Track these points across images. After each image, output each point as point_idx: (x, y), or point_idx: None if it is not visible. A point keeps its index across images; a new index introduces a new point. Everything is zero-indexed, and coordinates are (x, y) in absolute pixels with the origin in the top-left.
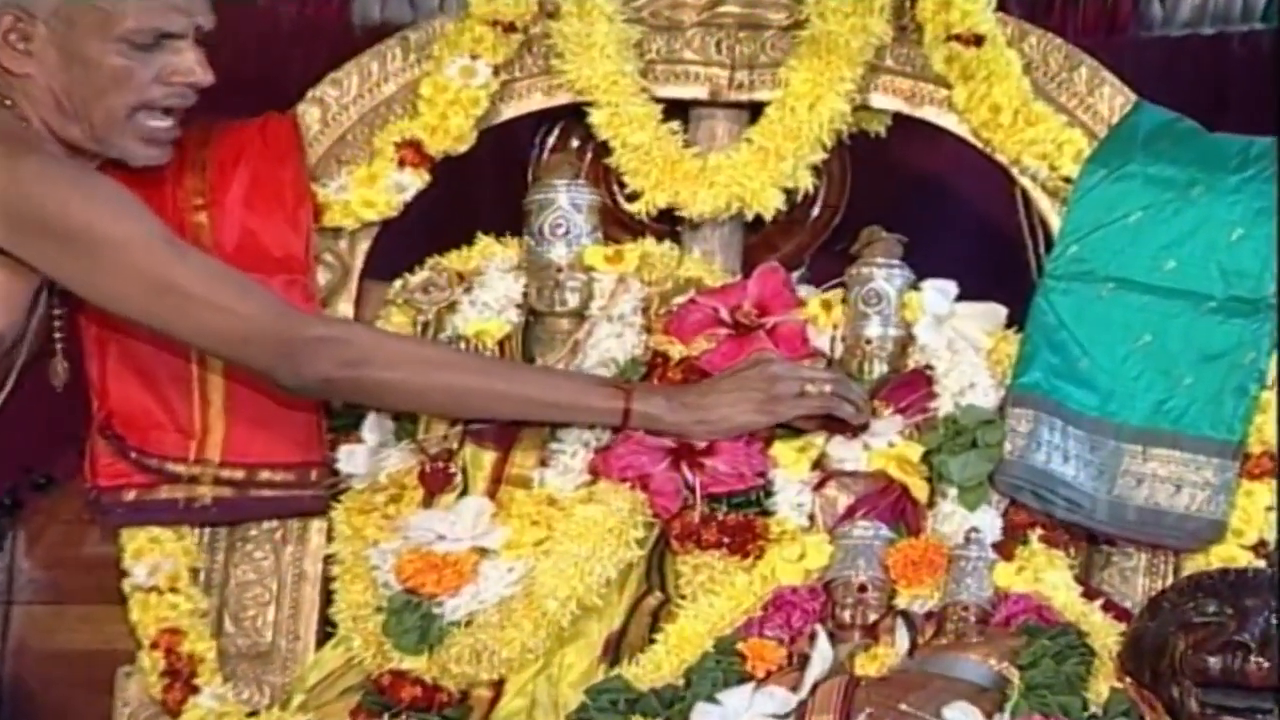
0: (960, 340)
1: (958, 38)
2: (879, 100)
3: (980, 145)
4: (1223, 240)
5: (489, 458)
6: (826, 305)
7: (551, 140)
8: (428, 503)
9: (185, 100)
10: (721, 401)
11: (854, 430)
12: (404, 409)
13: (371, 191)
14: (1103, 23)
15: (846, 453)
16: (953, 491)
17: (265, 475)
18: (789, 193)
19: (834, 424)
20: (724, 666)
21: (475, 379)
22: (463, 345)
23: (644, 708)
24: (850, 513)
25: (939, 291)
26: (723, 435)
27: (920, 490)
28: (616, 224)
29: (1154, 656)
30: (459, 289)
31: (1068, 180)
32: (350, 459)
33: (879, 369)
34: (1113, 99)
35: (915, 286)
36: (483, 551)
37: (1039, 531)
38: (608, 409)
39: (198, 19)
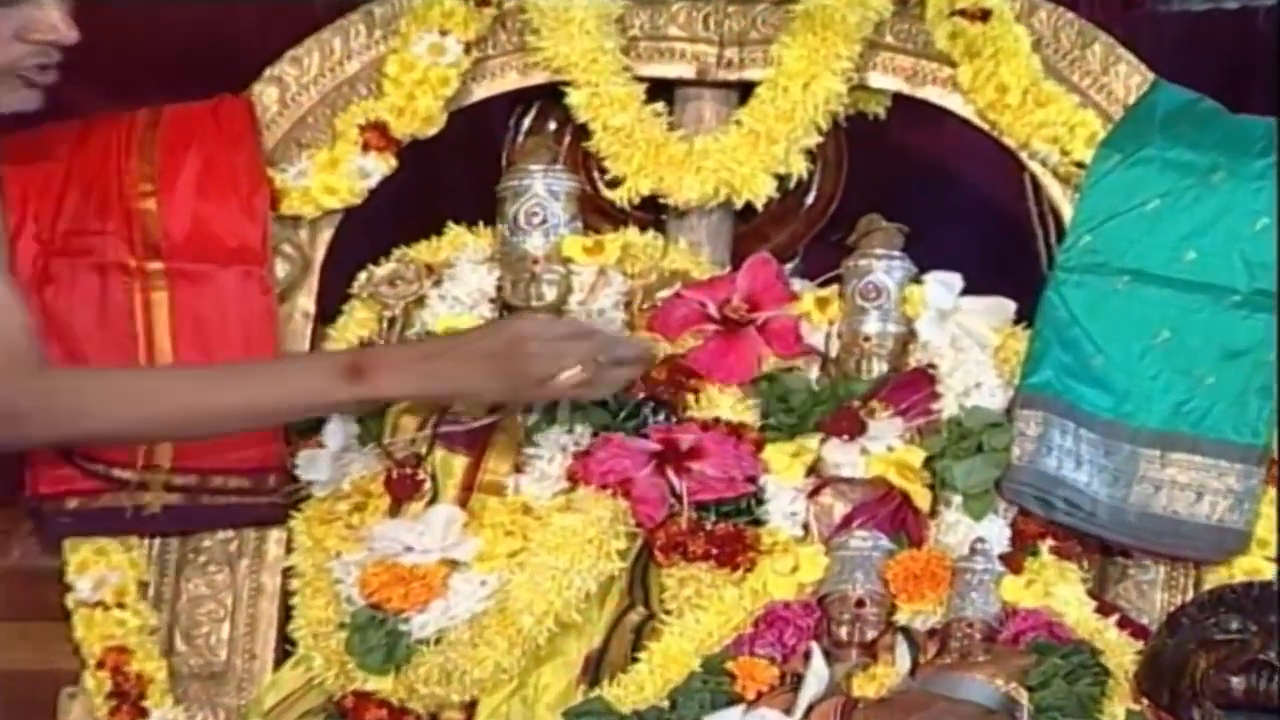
0: (965, 337)
1: (962, 12)
2: (878, 79)
3: (987, 128)
4: (1246, 229)
5: (460, 463)
6: (822, 300)
7: (527, 123)
8: (394, 511)
9: (50, 59)
10: (468, 372)
11: (850, 433)
12: (126, 440)
13: (333, 177)
14: None
15: (843, 457)
16: (957, 499)
17: (219, 481)
18: (781, 179)
19: (829, 425)
20: (712, 687)
21: (194, 399)
22: None
23: None
24: (847, 522)
25: (942, 285)
26: (466, 402)
27: (922, 498)
28: (596, 212)
29: (1173, 676)
30: (428, 282)
31: (1080, 165)
32: (311, 465)
33: (878, 368)
34: (1129, 78)
35: (917, 279)
36: (453, 564)
37: (1049, 542)
38: (340, 398)
39: None
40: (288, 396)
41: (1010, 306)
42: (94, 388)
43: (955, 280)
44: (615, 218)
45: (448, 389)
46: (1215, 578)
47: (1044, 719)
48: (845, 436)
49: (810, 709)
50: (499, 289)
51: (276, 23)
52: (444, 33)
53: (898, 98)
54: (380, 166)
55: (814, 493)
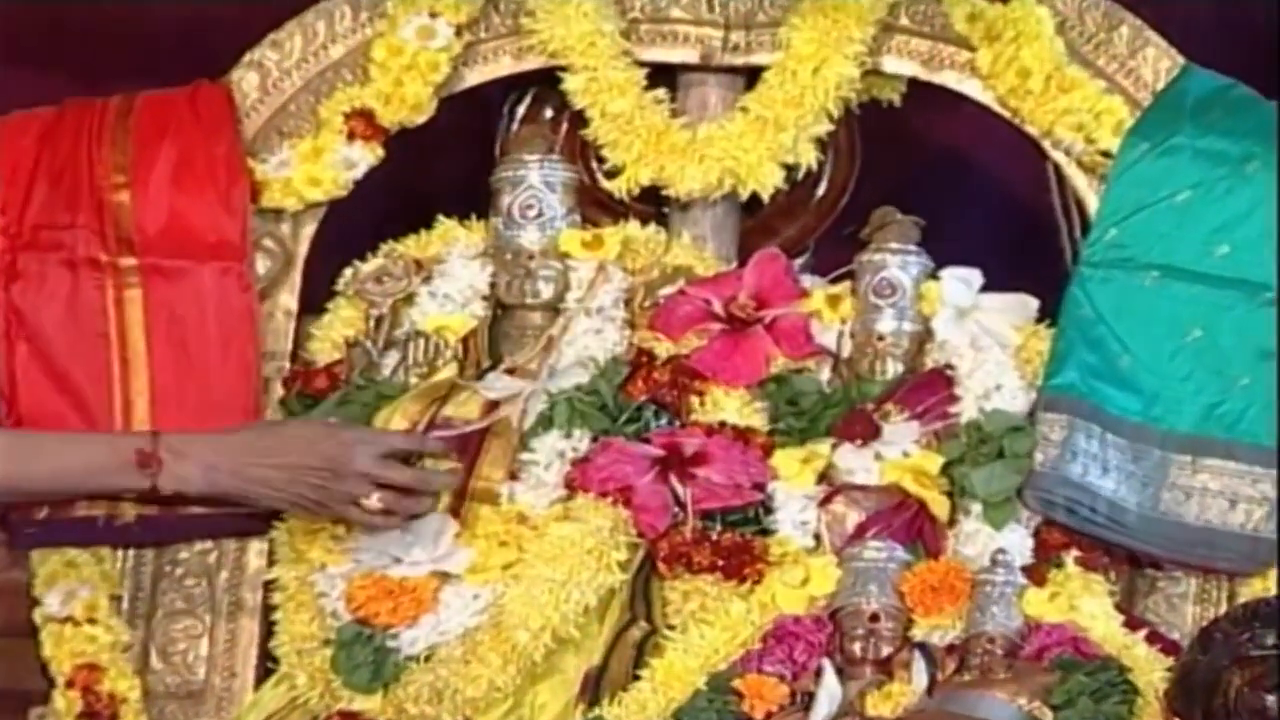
0: (985, 336)
1: None
2: (892, 64)
3: (1007, 115)
4: None
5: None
6: (833, 297)
7: (521, 110)
8: None
9: None
10: (271, 478)
11: (864, 438)
12: None
13: (317, 168)
14: None
15: (857, 463)
16: (976, 508)
17: None
18: (790, 169)
19: (841, 429)
20: (718, 706)
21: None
22: (422, 342)
23: None
24: (860, 532)
25: (961, 281)
26: (263, 503)
27: (939, 506)
28: (595, 205)
29: (1206, 694)
30: (417, 279)
31: (1106, 155)
32: None
33: (893, 369)
34: (1158, 62)
35: (934, 275)
36: (444, 576)
37: (1074, 553)
38: (132, 485)
39: None
40: (79, 472)
41: (1032, 304)
42: None
43: (974, 276)
44: (615, 210)
45: (242, 494)
46: (1250, 590)
47: None
48: (858, 441)
49: None
50: (492, 286)
51: (256, 5)
52: (434, 15)
53: (913, 83)
54: (366, 156)
55: (825, 500)
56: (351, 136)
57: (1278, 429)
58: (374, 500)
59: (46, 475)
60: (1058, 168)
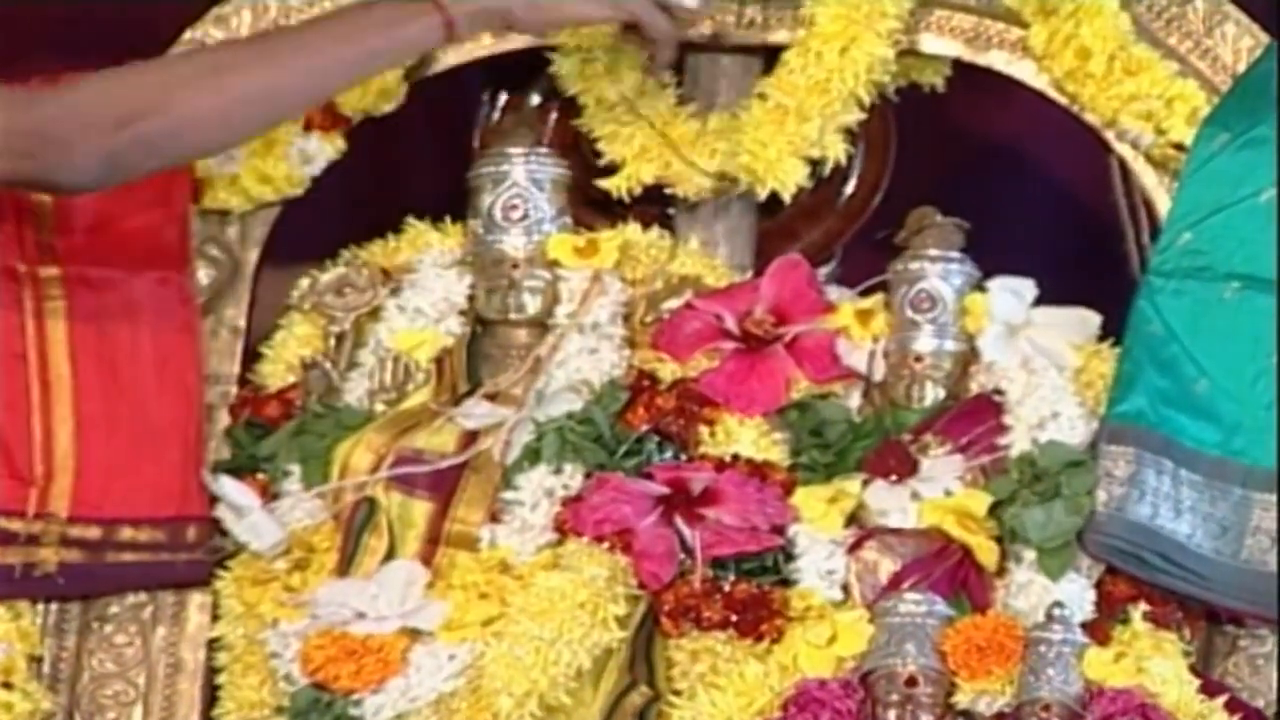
0: (1039, 357)
1: None
2: (932, 43)
3: (1065, 102)
4: None
5: (423, 510)
6: (864, 312)
7: (504, 96)
8: (343, 570)
9: None
10: None
11: (899, 474)
12: (209, 147)
13: (268, 163)
14: None
15: (891, 503)
16: (1029, 555)
17: (127, 534)
18: (814, 164)
19: (874, 464)
20: None
21: (270, 70)
22: (390, 363)
23: None
24: (896, 582)
25: (1011, 293)
26: (553, 24)
27: (987, 553)
28: (589, 205)
29: None
30: (383, 290)
31: (1179, 147)
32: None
33: (933, 394)
34: (1238, 41)
35: (980, 286)
36: (414, 633)
37: (1143, 607)
38: (427, 26)
39: None
40: (377, 42)
41: (1093, 320)
42: (115, 90)
43: (1026, 287)
44: (612, 212)
45: (533, 5)
46: None
47: None
48: (893, 478)
49: None
50: (470, 298)
51: None
52: None
53: (956, 65)
54: (325, 150)
55: (855, 546)
56: (308, 127)
57: (1276, 448)
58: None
59: (339, 42)
60: (1123, 162)
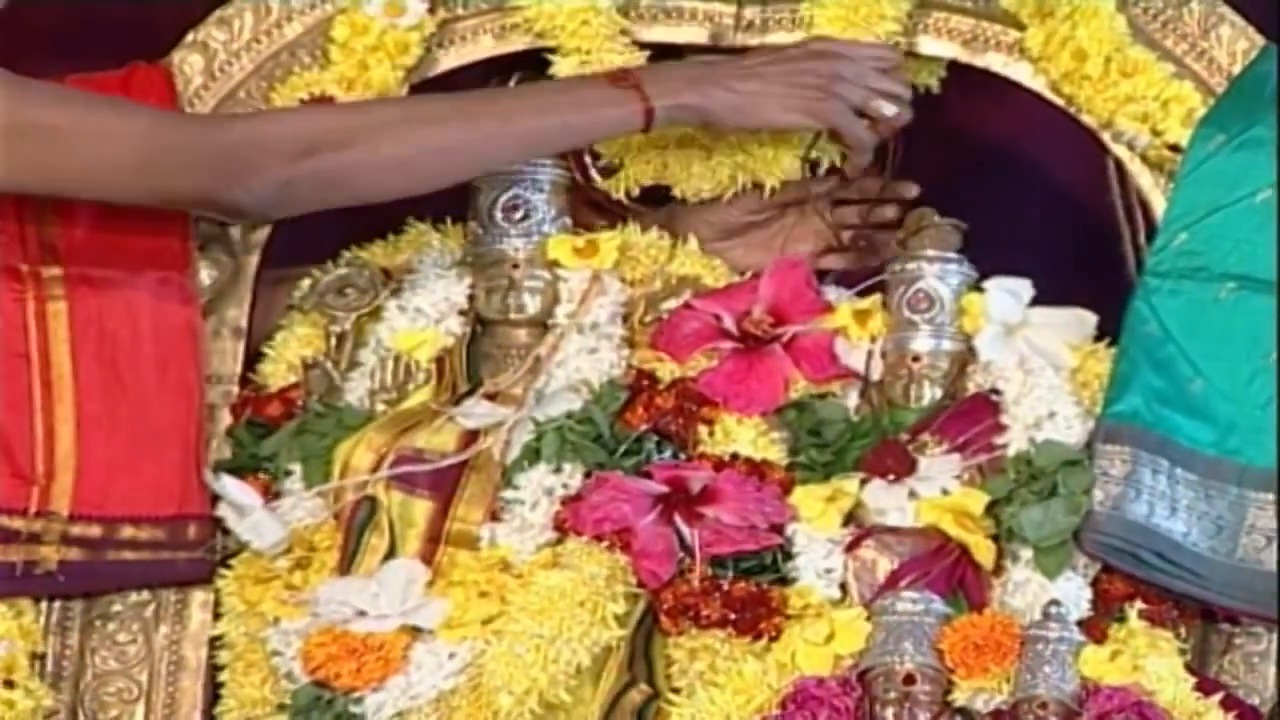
0: (1035, 356)
1: None
2: (930, 45)
3: (1061, 103)
4: None
5: (423, 509)
6: (862, 312)
7: None
8: (344, 568)
9: None
10: (764, 86)
11: (897, 473)
12: (383, 192)
13: None
14: None
15: (889, 502)
16: (1026, 553)
17: (129, 532)
18: (812, 165)
19: (871, 464)
20: None
21: (460, 129)
22: (391, 363)
23: None
24: (893, 581)
25: (1008, 293)
26: (750, 127)
27: (984, 551)
28: (589, 206)
29: None
30: (384, 291)
31: (1175, 148)
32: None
33: (930, 394)
34: (1234, 42)
35: (977, 287)
36: (415, 632)
37: (1139, 605)
38: (624, 114)
39: None
40: (573, 118)
41: (1090, 319)
42: (304, 123)
43: (1023, 287)
44: (611, 213)
45: (732, 105)
46: None
47: None
48: (891, 477)
49: None
50: (471, 299)
51: None
52: None
53: (954, 67)
54: None
55: (853, 545)
56: None
57: (1276, 447)
58: (887, 105)
59: (536, 128)
60: (1119, 164)
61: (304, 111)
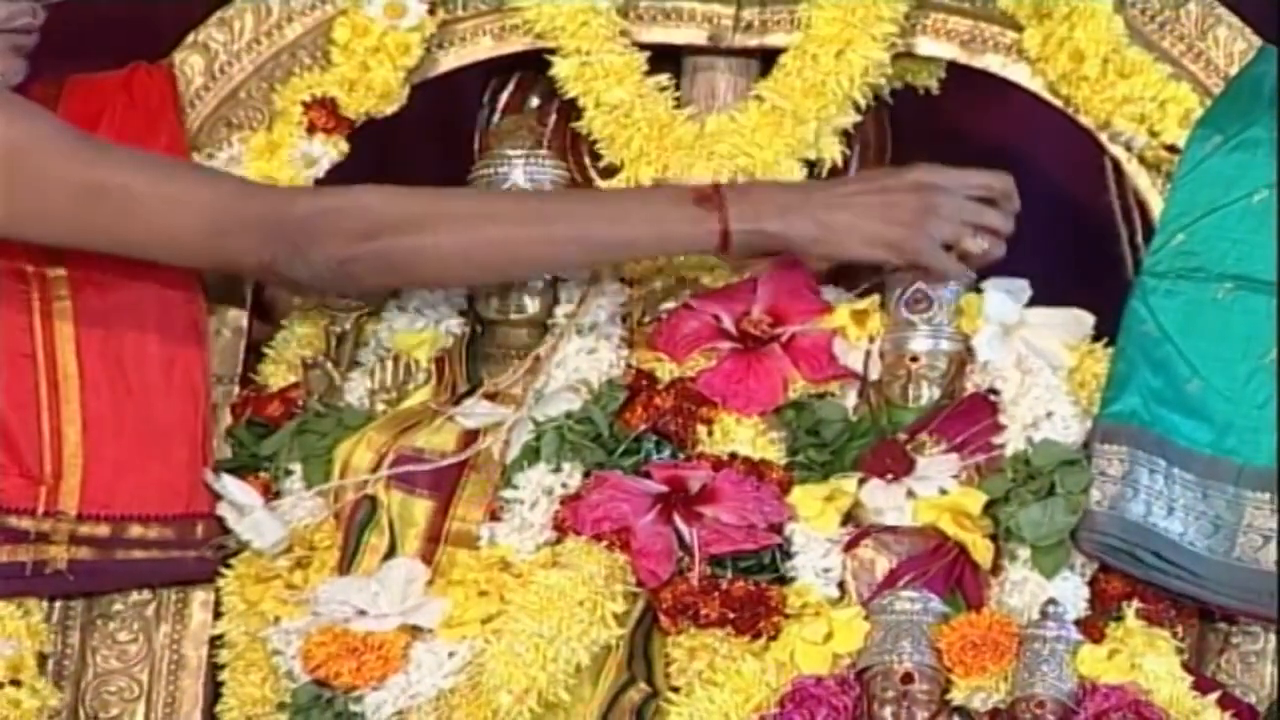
0: (1033, 357)
1: None
2: (928, 46)
3: (1059, 104)
4: None
5: (423, 508)
6: (860, 313)
7: (504, 99)
8: (344, 568)
9: (35, 19)
10: (853, 220)
11: (895, 472)
12: (444, 280)
13: (272, 165)
14: None
15: (887, 502)
16: (1024, 553)
17: (136, 531)
18: (811, 165)
19: (870, 463)
20: None
21: (528, 228)
22: (391, 363)
23: None
24: (891, 580)
25: (1006, 293)
26: (834, 257)
27: (982, 551)
28: None
29: None
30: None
31: (1172, 149)
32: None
33: (928, 394)
34: (1231, 44)
35: (975, 287)
36: (415, 631)
37: (1136, 604)
38: (699, 234)
39: None
40: (645, 232)
41: (1088, 320)
42: (371, 203)
43: (1021, 288)
44: None
45: (816, 238)
46: None
47: None
48: (889, 476)
49: None
50: (469, 299)
51: None
52: None
53: (951, 68)
54: (329, 152)
55: (851, 544)
56: (311, 129)
57: (1273, 447)
58: (977, 242)
59: (605, 238)
60: (1117, 164)
61: (372, 191)
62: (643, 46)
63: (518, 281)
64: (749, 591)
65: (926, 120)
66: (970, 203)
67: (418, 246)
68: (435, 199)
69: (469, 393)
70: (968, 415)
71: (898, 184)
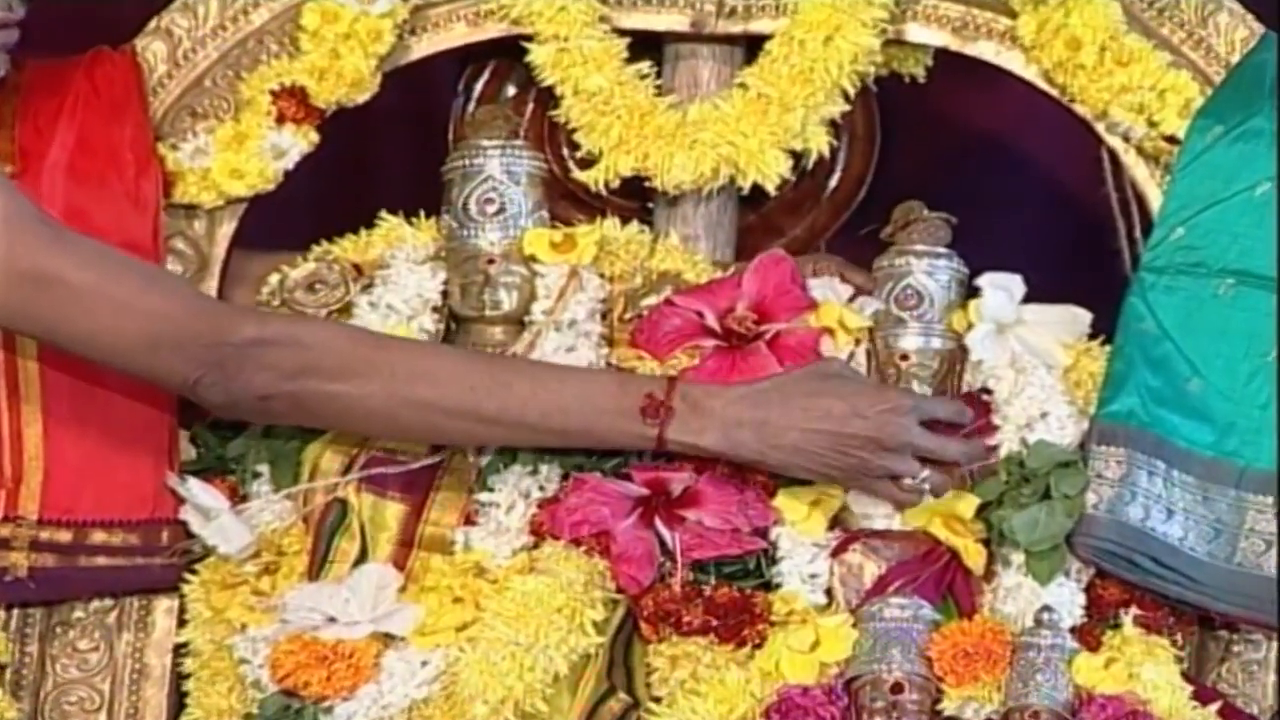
0: (1028, 355)
1: None
2: (918, 32)
3: (1054, 93)
4: None
5: (395, 512)
6: (849, 311)
7: (479, 87)
8: (313, 574)
9: (12, 13)
10: (800, 456)
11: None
12: (362, 431)
13: (239, 157)
14: None
15: (875, 506)
16: (1018, 558)
17: (100, 537)
18: (797, 157)
19: None
20: None
21: (458, 397)
22: None
23: None
24: (881, 586)
25: (1001, 290)
26: (771, 470)
27: (974, 556)
28: (566, 199)
29: None
30: (355, 287)
31: (1172, 140)
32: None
33: (920, 392)
34: (1232, 31)
35: (969, 284)
36: (387, 639)
37: (1134, 611)
38: (632, 439)
39: None
40: (577, 423)
41: (1085, 317)
42: (315, 339)
43: (1016, 284)
44: (590, 206)
45: (761, 459)
46: None
47: None
48: None
49: None
50: (444, 295)
51: None
52: None
53: (943, 55)
54: (298, 143)
55: (839, 549)
56: (280, 119)
57: (1277, 449)
58: (923, 477)
59: (535, 413)
60: (1114, 155)
61: (318, 329)
62: (623, 33)
63: (435, 442)
64: (733, 598)
65: (917, 109)
66: (926, 435)
67: (338, 394)
68: (377, 347)
69: None
70: None
71: (856, 435)
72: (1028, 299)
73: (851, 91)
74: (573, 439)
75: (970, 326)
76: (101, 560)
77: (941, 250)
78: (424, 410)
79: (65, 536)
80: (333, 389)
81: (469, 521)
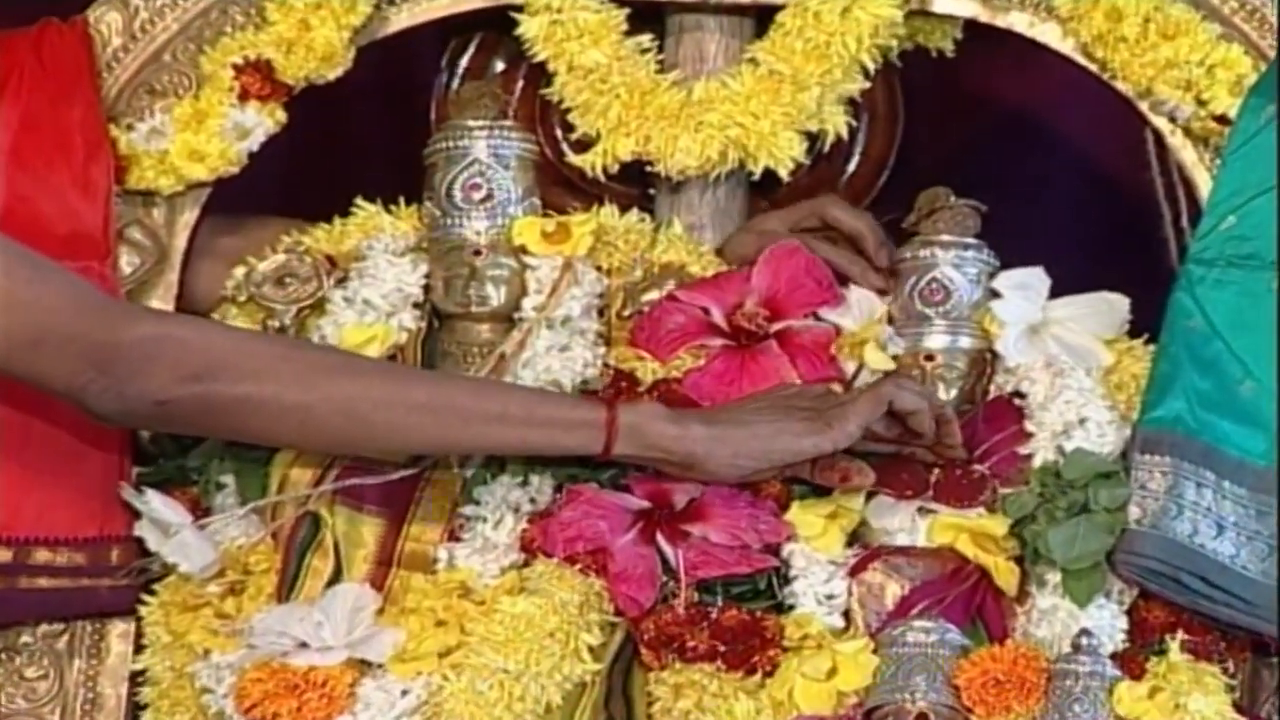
0: (1065, 354)
1: None
2: (945, 3)
3: (1094, 69)
4: None
5: (373, 528)
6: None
7: (465, 62)
8: (283, 594)
9: None
10: (760, 427)
11: (909, 488)
12: (275, 439)
13: (200, 138)
14: None
15: (898, 521)
16: (1054, 577)
17: (43, 556)
18: (812, 138)
19: (879, 477)
20: None
21: (384, 387)
22: None
23: None
24: (904, 608)
25: (1020, 291)
26: (767, 471)
27: (1006, 576)
28: (560, 185)
29: None
30: (329, 280)
31: (1222, 120)
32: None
33: (945, 397)
34: None
35: (992, 289)
36: (363, 665)
37: (1181, 636)
38: (581, 445)
39: None
40: (518, 410)
41: (1121, 303)
42: (213, 340)
43: (1038, 278)
44: (586, 192)
45: (729, 449)
46: None
47: None
48: (908, 493)
49: None
50: (426, 289)
51: None
52: None
53: (973, 27)
54: (263, 122)
55: (858, 568)
56: (244, 96)
57: (1277, 449)
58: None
59: (467, 394)
60: (1159, 137)
61: (218, 330)
62: (622, 3)
63: (357, 452)
64: (742, 621)
65: (944, 87)
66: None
67: (248, 398)
68: (292, 345)
69: None
70: (990, 422)
71: (787, 392)
72: (1064, 294)
73: (871, 67)
74: (524, 450)
75: (1001, 326)
76: (44, 582)
77: (970, 241)
78: (345, 404)
79: (5, 556)
80: (243, 391)
81: (453, 537)
